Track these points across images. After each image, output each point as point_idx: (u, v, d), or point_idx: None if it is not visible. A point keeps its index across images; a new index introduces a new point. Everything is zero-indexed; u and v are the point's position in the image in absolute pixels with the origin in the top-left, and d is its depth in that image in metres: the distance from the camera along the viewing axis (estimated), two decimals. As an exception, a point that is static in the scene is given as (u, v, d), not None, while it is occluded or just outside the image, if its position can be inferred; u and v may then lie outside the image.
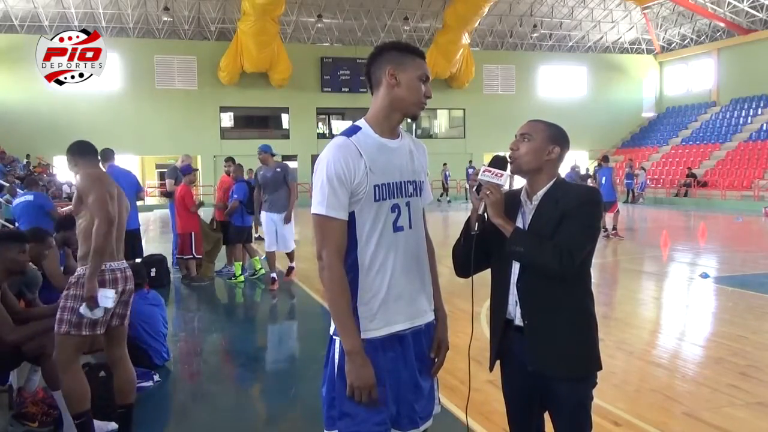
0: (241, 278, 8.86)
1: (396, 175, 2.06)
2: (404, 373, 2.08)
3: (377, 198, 2.00)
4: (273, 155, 8.23)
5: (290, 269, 8.68)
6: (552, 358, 2.14)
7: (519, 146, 2.23)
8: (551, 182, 2.22)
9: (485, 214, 2.16)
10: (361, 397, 1.96)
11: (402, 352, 2.08)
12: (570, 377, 2.18)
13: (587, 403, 2.23)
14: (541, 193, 2.20)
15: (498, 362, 2.37)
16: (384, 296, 2.03)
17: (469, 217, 2.21)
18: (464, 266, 2.24)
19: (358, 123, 2.10)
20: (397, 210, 2.05)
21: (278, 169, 8.08)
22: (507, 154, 2.28)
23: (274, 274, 8.29)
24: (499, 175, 2.12)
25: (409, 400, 2.10)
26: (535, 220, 2.17)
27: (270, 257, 8.33)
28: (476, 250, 2.16)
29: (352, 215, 2.00)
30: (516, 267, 2.19)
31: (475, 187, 2.16)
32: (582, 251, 2.10)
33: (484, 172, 2.15)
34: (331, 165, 1.97)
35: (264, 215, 8.17)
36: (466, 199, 27.65)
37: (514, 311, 2.20)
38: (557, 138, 2.23)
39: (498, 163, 2.17)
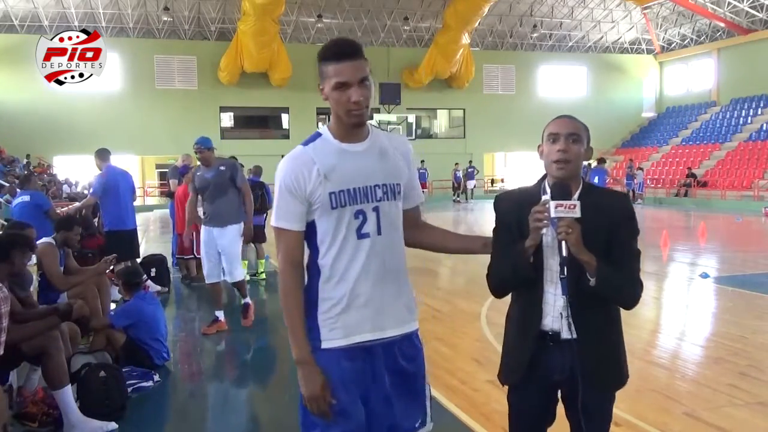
0: (246, 277, 8.83)
1: (359, 180, 1.98)
2: (373, 386, 2.01)
3: (334, 206, 1.96)
4: (212, 149, 6.17)
5: (246, 307, 6.38)
6: (603, 370, 2.12)
7: (570, 148, 2.03)
8: (581, 186, 2.08)
9: (567, 254, 1.99)
10: (312, 407, 1.95)
11: (369, 364, 2.01)
12: (613, 390, 2.19)
13: (612, 408, 2.24)
14: (576, 199, 2.03)
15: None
16: (345, 305, 1.98)
17: (524, 251, 2.05)
18: (509, 293, 2.19)
19: (320, 129, 2.06)
20: (361, 216, 1.98)
21: (222, 168, 6.01)
22: (557, 158, 2.05)
23: (220, 313, 6.21)
24: (572, 207, 1.96)
25: (380, 414, 2.02)
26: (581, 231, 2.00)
27: (213, 291, 6.24)
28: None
29: (312, 224, 2.00)
30: (550, 279, 2.09)
31: (545, 226, 1.98)
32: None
33: (556, 207, 1.95)
34: (282, 177, 1.98)
35: (202, 231, 6.11)
36: (467, 198, 27.64)
37: (560, 324, 2.08)
38: (590, 139, 2.14)
39: (563, 192, 1.99)
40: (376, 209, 2.00)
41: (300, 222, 1.99)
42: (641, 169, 27.04)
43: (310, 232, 2.01)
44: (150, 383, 4.57)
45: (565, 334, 2.08)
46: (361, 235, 1.98)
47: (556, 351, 2.10)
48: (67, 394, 3.71)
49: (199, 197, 6.22)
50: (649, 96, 33.95)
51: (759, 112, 27.71)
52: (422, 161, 27.59)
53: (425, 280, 8.65)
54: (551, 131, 2.07)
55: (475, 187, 28.43)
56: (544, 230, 2.00)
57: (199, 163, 6.22)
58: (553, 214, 1.96)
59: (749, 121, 27.79)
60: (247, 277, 8.80)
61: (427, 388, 2.15)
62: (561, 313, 2.07)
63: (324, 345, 1.98)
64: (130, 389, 4.29)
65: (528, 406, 2.21)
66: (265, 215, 8.93)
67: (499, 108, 30.67)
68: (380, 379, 2.02)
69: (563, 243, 1.98)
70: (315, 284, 2.01)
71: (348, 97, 1.93)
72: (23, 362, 3.99)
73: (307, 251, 2.06)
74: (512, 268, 2.09)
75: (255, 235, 8.87)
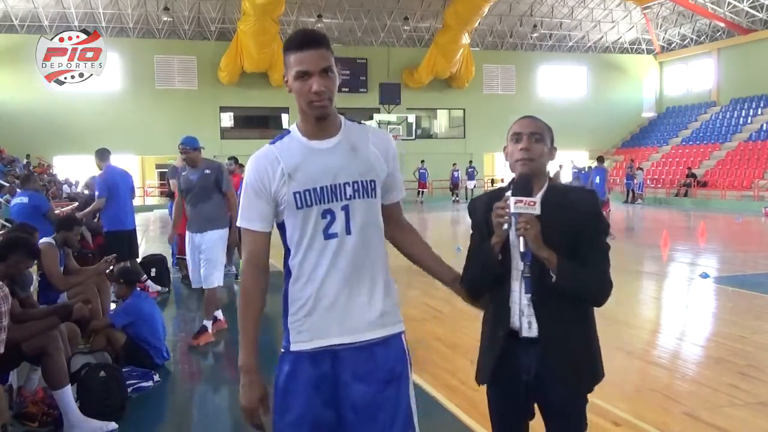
0: None
1: (327, 179, 1.90)
2: (340, 393, 1.92)
3: (299, 205, 1.89)
4: (198, 149, 5.76)
5: (202, 329, 5.69)
6: (567, 370, 2.07)
7: (532, 147, 2.06)
8: (546, 185, 2.10)
9: (526, 250, 2.00)
10: (245, 417, 1.93)
11: (334, 369, 1.92)
12: (582, 390, 2.14)
13: (585, 408, 2.19)
14: (539, 197, 2.05)
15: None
16: (311, 307, 1.92)
17: (490, 249, 2.06)
18: (481, 293, 2.20)
19: (290, 126, 2.00)
20: (329, 216, 1.91)
21: (207, 171, 5.68)
22: (520, 156, 2.07)
23: (218, 312, 5.93)
24: (531, 203, 1.97)
25: (351, 422, 1.92)
26: (542, 229, 2.00)
27: (208, 297, 5.79)
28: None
29: (282, 224, 1.96)
30: (516, 278, 2.10)
31: (506, 222, 1.99)
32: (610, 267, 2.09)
33: (516, 203, 1.96)
34: (247, 176, 1.95)
35: (186, 236, 5.84)
36: (467, 198, 27.65)
37: (520, 322, 2.09)
38: (553, 138, 2.16)
39: (524, 187, 2.01)
40: (345, 208, 1.91)
41: (264, 222, 1.95)
42: (641, 169, 27.05)
43: (282, 232, 1.97)
44: (150, 383, 4.56)
45: (526, 333, 2.09)
46: (328, 236, 1.91)
47: (521, 350, 2.11)
48: (67, 394, 3.71)
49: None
50: (649, 96, 33.95)
51: (759, 112, 27.71)
52: (422, 161, 27.65)
53: (425, 280, 8.64)
54: (514, 131, 2.11)
55: (475, 187, 28.44)
56: (505, 226, 2.01)
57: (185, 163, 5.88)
58: (512, 209, 1.97)
59: (749, 121, 27.79)
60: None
61: (411, 396, 1.99)
62: (522, 311, 2.08)
63: (292, 347, 1.94)
64: (130, 389, 4.29)
65: (501, 404, 2.21)
66: None
67: (499, 108, 30.63)
68: (348, 386, 1.92)
69: (521, 239, 1.98)
70: (287, 285, 1.98)
71: (309, 86, 1.84)
72: (23, 362, 3.99)
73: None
74: (481, 265, 2.12)
75: None
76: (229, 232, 5.81)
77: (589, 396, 2.19)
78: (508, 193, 2.03)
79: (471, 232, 2.25)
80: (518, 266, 2.09)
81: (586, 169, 18.37)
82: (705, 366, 5.02)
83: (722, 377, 4.57)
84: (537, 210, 1.97)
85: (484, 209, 2.14)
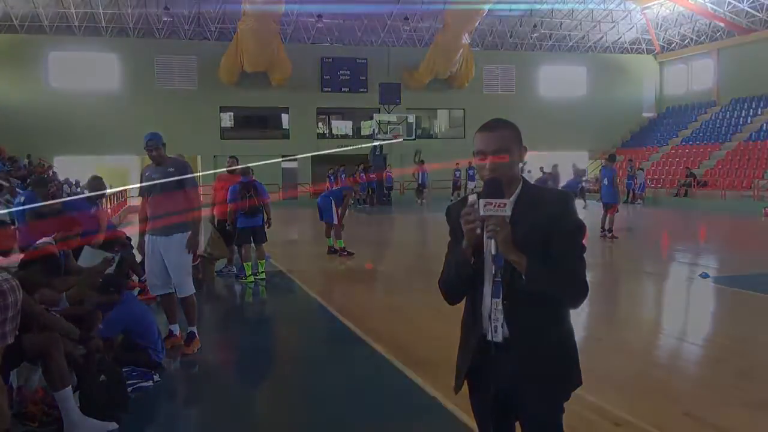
0: (251, 278, 8.82)
1: None
2: None
3: None
4: (163, 145, 5.34)
5: (190, 336, 5.45)
6: (539, 377, 2.05)
7: (498, 164, 2.06)
8: (520, 186, 2.10)
9: (497, 252, 1.99)
10: None
11: None
12: (557, 398, 2.12)
13: (560, 415, 2.16)
14: (512, 199, 2.05)
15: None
16: None
17: (462, 252, 2.05)
18: (459, 298, 2.19)
19: None
20: None
21: (171, 170, 5.26)
22: (488, 173, 2.07)
23: (174, 327, 5.57)
24: (501, 205, 1.94)
25: None
26: (515, 230, 1.99)
27: (165, 304, 5.58)
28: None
29: None
30: (489, 282, 2.09)
31: (477, 227, 1.98)
32: (585, 268, 2.05)
33: (485, 206, 1.94)
34: None
35: (146, 240, 5.39)
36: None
37: (490, 327, 2.09)
38: (521, 138, 2.13)
39: (494, 189, 1.99)
40: None
41: None
42: (642, 169, 27.02)
43: None
44: (150, 383, 4.56)
45: (492, 338, 2.07)
46: None
47: (495, 356, 2.08)
48: (68, 394, 3.71)
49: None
50: (649, 96, 33.96)
51: (759, 112, 27.70)
52: (422, 161, 27.65)
53: (426, 279, 8.65)
54: (478, 149, 2.09)
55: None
56: (478, 230, 1.98)
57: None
58: (481, 212, 1.95)
59: (749, 121, 27.78)
60: (251, 279, 8.82)
61: None
62: (489, 316, 2.07)
63: None
64: (130, 389, 4.29)
65: (481, 411, 2.20)
66: (260, 215, 8.89)
67: (499, 108, 30.51)
68: None
69: (492, 242, 1.97)
70: None
71: None
72: (23, 362, 3.98)
73: None
74: (455, 270, 2.11)
75: (255, 235, 8.88)
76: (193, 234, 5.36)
77: (589, 396, 2.18)
78: (473, 196, 2.02)
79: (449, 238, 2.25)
80: (491, 270, 2.07)
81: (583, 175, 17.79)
82: (705, 366, 5.02)
83: (722, 377, 4.57)
84: (507, 211, 1.95)
85: (458, 214, 2.12)
